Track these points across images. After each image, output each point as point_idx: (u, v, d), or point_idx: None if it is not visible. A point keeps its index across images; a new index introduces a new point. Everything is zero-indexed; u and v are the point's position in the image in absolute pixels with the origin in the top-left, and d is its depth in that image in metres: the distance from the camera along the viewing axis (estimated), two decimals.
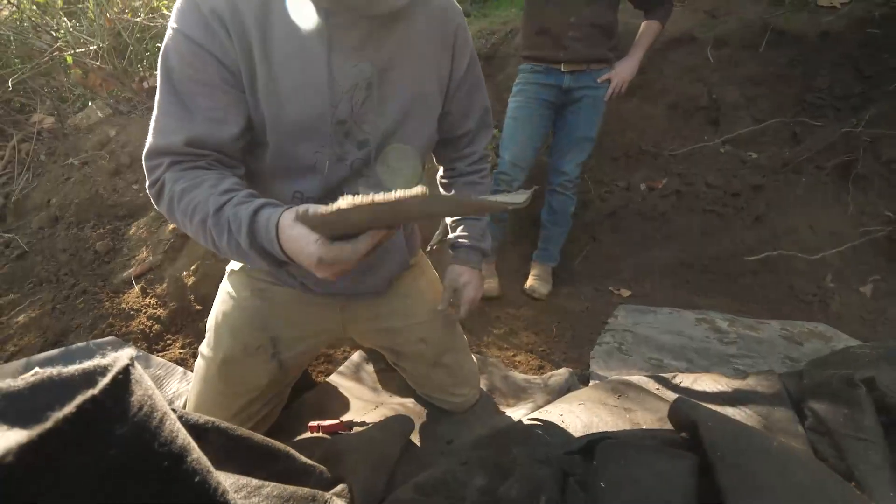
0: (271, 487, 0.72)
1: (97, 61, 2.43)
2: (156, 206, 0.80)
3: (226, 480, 0.72)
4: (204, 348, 1.10)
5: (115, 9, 2.65)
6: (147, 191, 0.80)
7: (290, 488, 0.74)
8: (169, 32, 0.77)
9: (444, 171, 1.17)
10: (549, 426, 1.12)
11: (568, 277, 2.34)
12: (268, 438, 0.80)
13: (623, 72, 1.99)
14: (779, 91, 2.63)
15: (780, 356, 1.74)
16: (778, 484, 0.63)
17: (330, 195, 0.88)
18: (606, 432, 0.89)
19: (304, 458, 0.81)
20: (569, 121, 2.05)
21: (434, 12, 0.89)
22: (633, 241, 2.41)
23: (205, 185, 0.73)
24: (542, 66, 1.98)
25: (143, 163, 0.79)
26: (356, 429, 1.22)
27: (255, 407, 1.10)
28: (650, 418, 1.14)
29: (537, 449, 1.04)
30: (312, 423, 1.19)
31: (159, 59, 0.77)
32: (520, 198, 0.59)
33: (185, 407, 1.15)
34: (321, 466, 0.81)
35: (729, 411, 1.16)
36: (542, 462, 0.81)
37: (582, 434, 1.09)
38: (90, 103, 2.46)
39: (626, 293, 2.22)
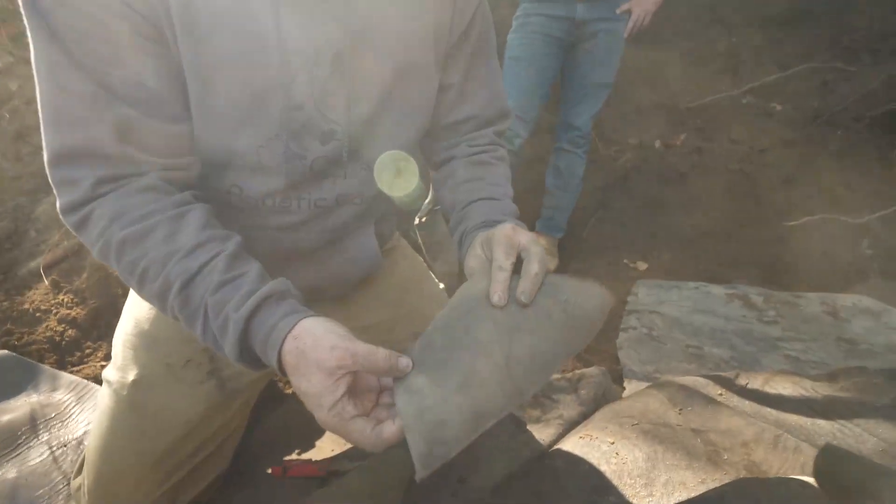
0: None
1: None
2: (77, 236, 0.56)
3: None
4: (109, 371, 0.78)
5: None
6: (60, 215, 0.54)
7: None
8: None
9: (439, 166, 0.82)
10: (599, 461, 0.83)
11: (575, 250, 2.05)
12: None
13: (646, 1, 1.64)
14: (807, 32, 2.32)
15: (832, 338, 1.51)
16: None
17: (281, 195, 0.66)
18: (709, 499, 0.60)
19: None
20: (582, 62, 1.70)
21: None
22: (648, 207, 2.12)
23: (157, 233, 0.52)
24: None
25: (50, 172, 0.53)
26: (340, 465, 0.91)
27: (187, 448, 0.78)
28: (730, 444, 0.86)
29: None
30: (276, 467, 0.88)
31: (24, 4, 0.48)
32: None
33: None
34: None
35: (824, 427, 0.90)
36: None
37: (645, 473, 0.80)
38: None
39: (642, 266, 1.95)
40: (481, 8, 0.71)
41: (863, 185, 1.93)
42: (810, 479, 0.63)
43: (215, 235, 0.53)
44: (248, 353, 0.51)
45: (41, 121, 0.52)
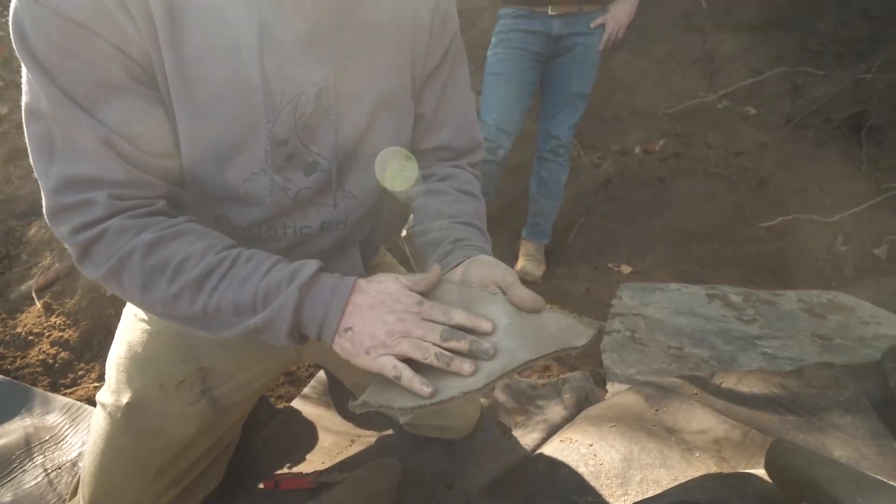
0: None
1: None
2: (77, 263, 0.57)
3: None
4: (103, 394, 0.80)
5: None
6: (68, 236, 0.54)
7: None
8: (27, 6, 0.49)
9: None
10: (578, 463, 0.87)
11: (562, 255, 2.10)
12: None
13: (619, 15, 1.69)
14: (778, 38, 2.40)
15: (806, 334, 1.55)
16: None
17: (267, 224, 0.70)
18: (673, 493, 0.64)
19: None
20: (559, 75, 1.75)
21: None
22: (630, 211, 2.17)
23: (190, 235, 0.57)
24: (526, 10, 1.67)
25: (56, 199, 0.54)
26: (331, 477, 0.94)
27: (181, 466, 0.80)
28: (702, 442, 0.90)
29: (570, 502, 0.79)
30: (268, 480, 0.91)
31: (18, 43, 0.50)
32: (580, 339, 0.54)
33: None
34: None
35: (791, 421, 0.94)
36: None
37: (621, 473, 0.84)
38: None
39: (626, 270, 2.00)
40: (456, 39, 0.74)
41: (834, 185, 1.99)
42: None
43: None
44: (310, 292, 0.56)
45: (39, 150, 0.53)
